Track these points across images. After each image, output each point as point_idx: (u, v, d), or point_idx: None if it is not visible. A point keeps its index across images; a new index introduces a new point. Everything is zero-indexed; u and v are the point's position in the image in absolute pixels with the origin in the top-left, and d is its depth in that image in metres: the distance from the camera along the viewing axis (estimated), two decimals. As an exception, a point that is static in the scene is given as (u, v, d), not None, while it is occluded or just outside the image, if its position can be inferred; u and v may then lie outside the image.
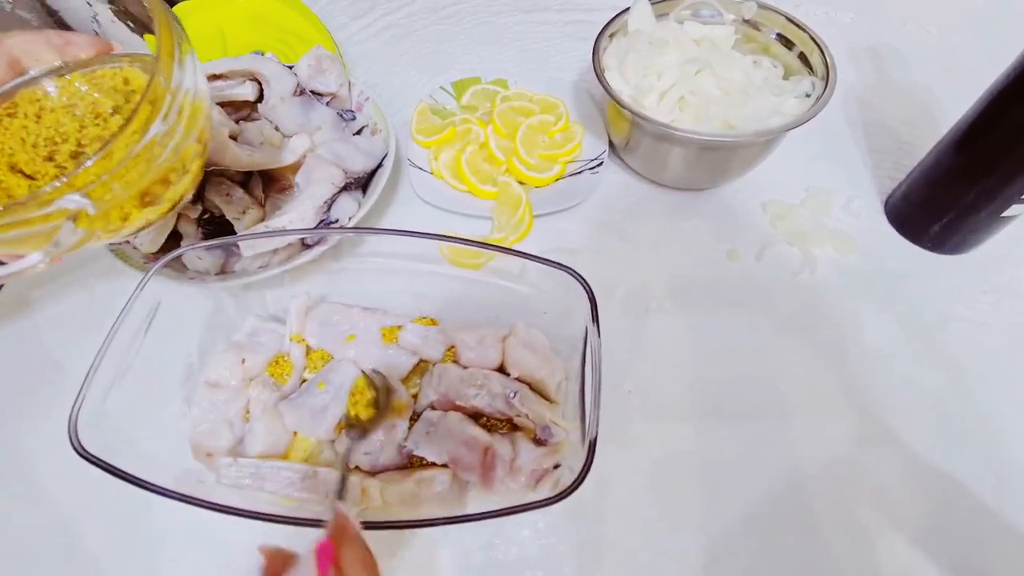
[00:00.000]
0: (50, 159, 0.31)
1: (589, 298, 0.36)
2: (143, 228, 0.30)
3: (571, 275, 0.37)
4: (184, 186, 0.31)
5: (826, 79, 0.48)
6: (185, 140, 0.29)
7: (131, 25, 0.37)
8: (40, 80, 0.33)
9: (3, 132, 0.31)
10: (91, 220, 0.27)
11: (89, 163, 0.25)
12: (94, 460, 0.32)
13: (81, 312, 0.51)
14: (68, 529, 0.40)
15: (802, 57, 0.52)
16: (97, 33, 0.51)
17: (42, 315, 0.51)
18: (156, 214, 0.30)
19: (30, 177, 0.30)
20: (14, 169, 0.30)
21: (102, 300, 0.51)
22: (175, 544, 0.39)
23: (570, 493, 0.30)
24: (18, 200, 0.25)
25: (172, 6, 0.68)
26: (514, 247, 0.52)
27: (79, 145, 0.31)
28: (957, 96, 0.48)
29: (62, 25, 0.37)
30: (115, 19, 0.33)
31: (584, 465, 0.30)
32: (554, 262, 0.38)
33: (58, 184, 0.25)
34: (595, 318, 0.35)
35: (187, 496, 0.32)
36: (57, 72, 0.33)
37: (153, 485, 0.32)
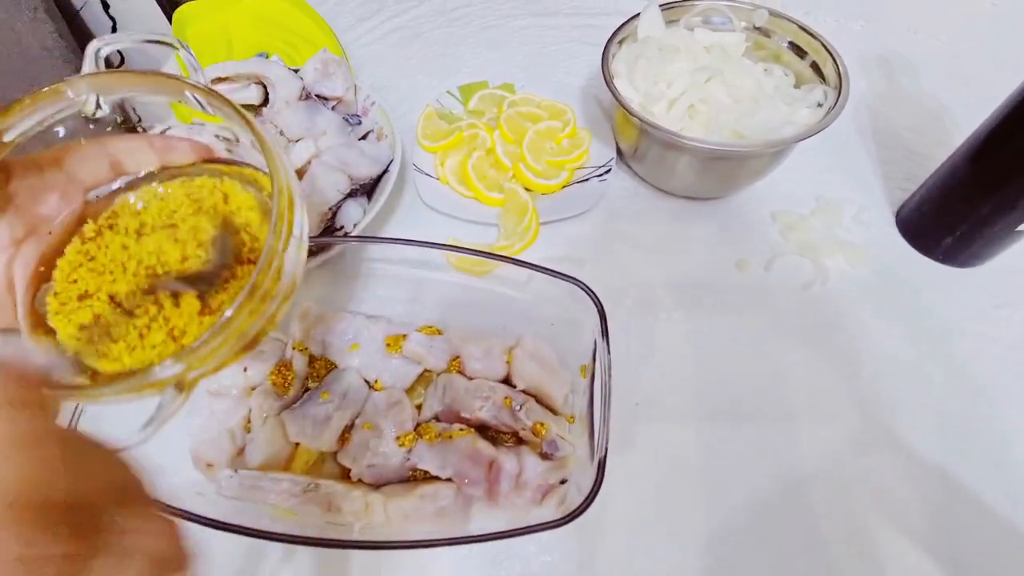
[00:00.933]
0: (150, 292, 0.28)
1: (599, 312, 0.35)
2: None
3: (580, 288, 0.37)
4: (275, 325, 0.28)
5: (839, 89, 0.47)
6: (287, 297, 0.27)
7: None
8: (138, 186, 0.31)
9: (105, 250, 0.29)
10: (192, 383, 0.25)
11: (204, 338, 0.23)
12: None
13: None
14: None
15: (814, 66, 0.51)
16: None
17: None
18: (240, 357, 0.27)
19: (129, 312, 0.28)
20: (114, 300, 0.28)
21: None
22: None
23: (579, 514, 0.29)
24: (120, 373, 0.23)
25: (177, 6, 0.68)
26: (520, 254, 0.51)
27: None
28: (966, 104, 0.47)
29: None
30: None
31: (594, 485, 0.29)
32: (563, 274, 0.37)
33: (168, 364, 0.23)
34: (605, 333, 0.34)
35: (185, 512, 0.31)
36: (155, 178, 0.31)
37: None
